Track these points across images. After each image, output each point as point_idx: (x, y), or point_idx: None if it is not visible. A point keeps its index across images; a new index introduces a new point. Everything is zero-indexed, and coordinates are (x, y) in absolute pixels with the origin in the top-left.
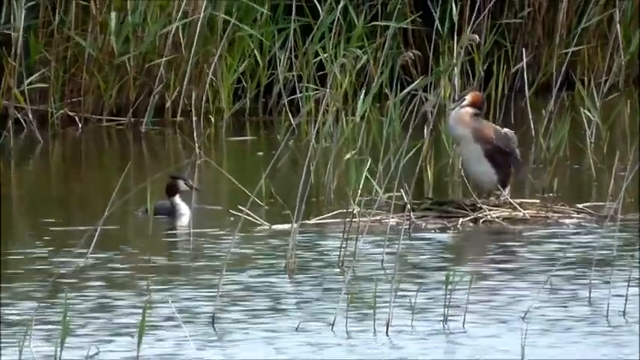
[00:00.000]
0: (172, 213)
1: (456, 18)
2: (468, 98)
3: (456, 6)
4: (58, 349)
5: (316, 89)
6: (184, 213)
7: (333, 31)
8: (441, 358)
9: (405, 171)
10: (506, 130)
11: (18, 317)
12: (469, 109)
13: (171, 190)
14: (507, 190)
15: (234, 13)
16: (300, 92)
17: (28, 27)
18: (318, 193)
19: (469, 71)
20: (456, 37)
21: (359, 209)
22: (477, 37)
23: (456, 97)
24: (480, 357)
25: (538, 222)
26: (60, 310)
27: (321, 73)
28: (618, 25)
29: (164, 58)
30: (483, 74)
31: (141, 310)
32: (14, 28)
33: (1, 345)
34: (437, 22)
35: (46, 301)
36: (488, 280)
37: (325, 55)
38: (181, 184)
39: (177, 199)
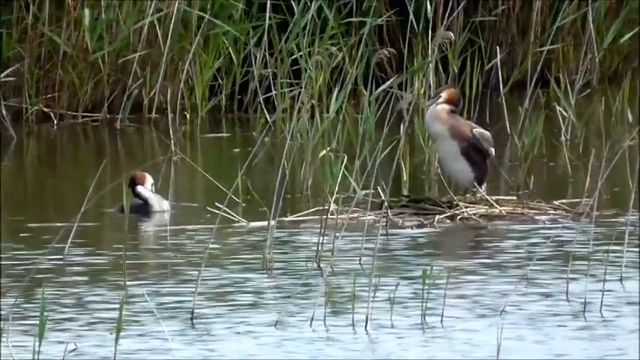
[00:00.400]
0: (147, 211)
1: (430, 15)
2: (444, 95)
3: (431, 3)
4: (37, 344)
5: (291, 86)
6: (159, 210)
7: (308, 28)
8: (420, 353)
9: (381, 168)
10: (482, 130)
11: None
12: (445, 106)
13: (132, 183)
14: (484, 187)
15: (208, 10)
16: (276, 89)
17: (1, 23)
18: (294, 190)
19: (442, 69)
20: (430, 35)
21: (336, 206)
22: (452, 34)
23: (432, 94)
24: (458, 351)
25: (514, 219)
26: (38, 305)
27: (296, 67)
28: (591, 24)
29: (137, 54)
30: (457, 71)
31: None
32: None
33: None
34: (412, 18)
35: (23, 298)
36: (466, 276)
37: (300, 54)
38: (148, 178)
39: (144, 191)
